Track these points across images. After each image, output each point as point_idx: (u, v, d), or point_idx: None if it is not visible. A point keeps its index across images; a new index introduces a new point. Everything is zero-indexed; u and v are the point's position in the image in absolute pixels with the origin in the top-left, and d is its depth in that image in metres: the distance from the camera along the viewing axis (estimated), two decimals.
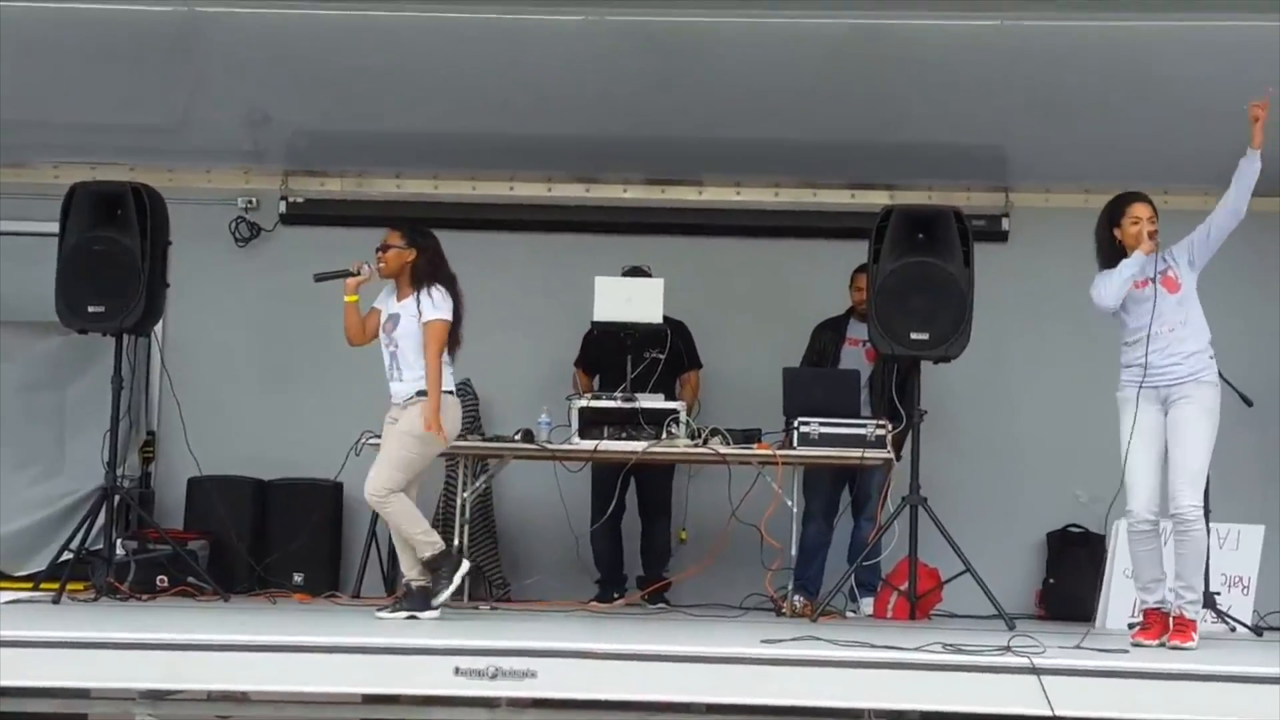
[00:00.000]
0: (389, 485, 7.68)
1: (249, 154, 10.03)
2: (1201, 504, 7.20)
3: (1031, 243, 9.88)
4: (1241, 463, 9.06)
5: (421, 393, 7.76)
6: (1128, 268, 7.30)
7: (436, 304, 7.80)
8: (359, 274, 7.90)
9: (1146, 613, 7.33)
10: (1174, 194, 9.74)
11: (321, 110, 9.60)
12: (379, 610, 7.73)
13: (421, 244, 7.90)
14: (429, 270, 7.86)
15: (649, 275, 9.15)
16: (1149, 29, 8.38)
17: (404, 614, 7.60)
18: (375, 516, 9.21)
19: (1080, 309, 8.93)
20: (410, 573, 7.78)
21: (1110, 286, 7.32)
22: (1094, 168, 9.62)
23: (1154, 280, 7.31)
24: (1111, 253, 7.43)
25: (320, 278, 8.03)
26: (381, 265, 7.88)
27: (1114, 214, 7.45)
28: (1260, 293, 9.61)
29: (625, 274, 9.15)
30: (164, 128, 9.67)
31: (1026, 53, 8.61)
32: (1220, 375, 7.86)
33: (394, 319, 7.87)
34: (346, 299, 7.87)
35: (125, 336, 8.71)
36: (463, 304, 7.91)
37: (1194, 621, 7.18)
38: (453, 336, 7.85)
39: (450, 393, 7.86)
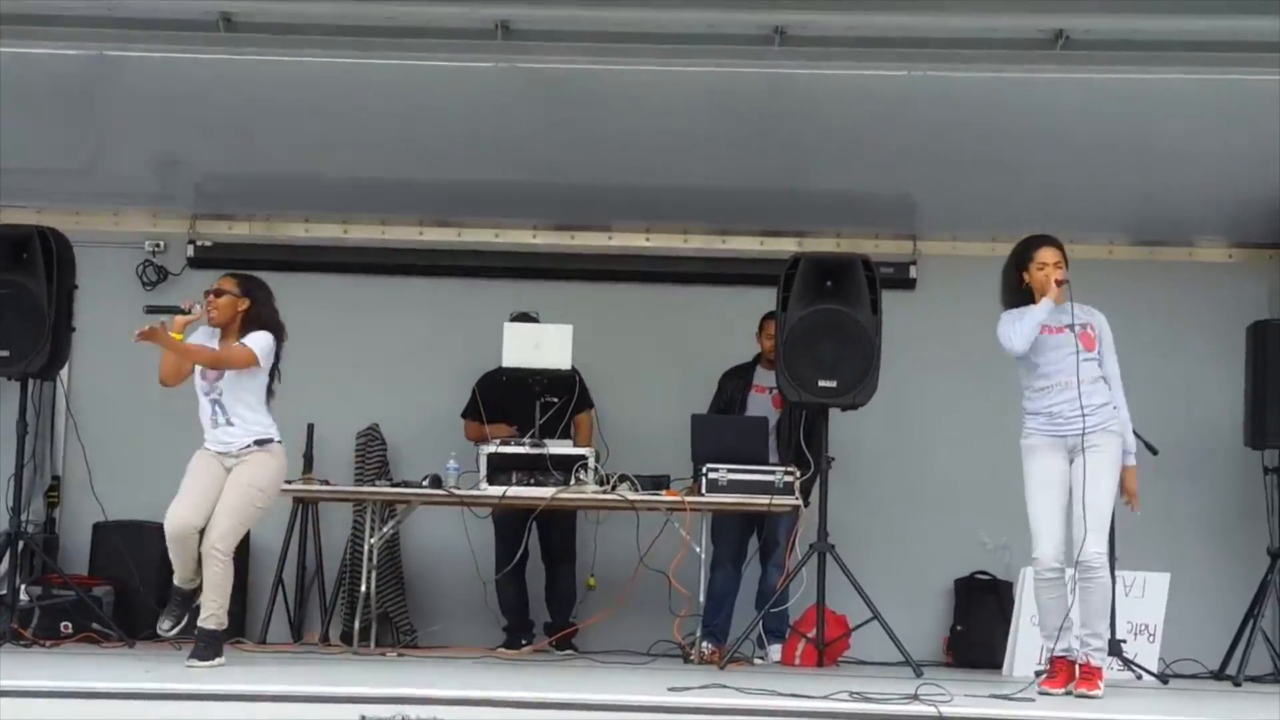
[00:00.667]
0: (234, 540, 7.58)
1: (157, 197, 9.98)
2: (1107, 551, 7.26)
3: (939, 290, 9.98)
4: (1147, 511, 9.15)
5: (259, 441, 7.63)
6: (1038, 313, 7.30)
7: (257, 341, 7.62)
8: (190, 313, 7.65)
9: (1053, 660, 7.35)
10: (1078, 243, 9.88)
11: (230, 154, 9.57)
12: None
13: (256, 294, 7.76)
14: (258, 322, 7.71)
15: (535, 320, 9.17)
16: (1052, 80, 8.50)
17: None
18: (282, 562, 9.20)
19: (987, 356, 9.03)
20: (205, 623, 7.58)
21: (1020, 331, 7.31)
22: (1000, 217, 9.72)
23: (1072, 330, 7.32)
24: (1017, 295, 7.45)
25: (151, 309, 7.78)
26: (213, 312, 7.68)
27: (1022, 257, 7.47)
28: (1165, 342, 9.73)
29: (513, 319, 9.15)
30: (72, 170, 9.61)
31: (934, 103, 8.71)
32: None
33: (213, 360, 7.66)
34: (172, 334, 7.56)
35: (30, 381, 8.65)
36: (283, 355, 7.81)
37: (1100, 669, 7.21)
38: (269, 386, 7.74)
39: (279, 442, 7.74)
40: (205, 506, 7.57)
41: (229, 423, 7.66)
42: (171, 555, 7.61)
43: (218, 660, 7.49)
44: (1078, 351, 7.28)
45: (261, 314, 7.73)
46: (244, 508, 7.60)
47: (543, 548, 9.44)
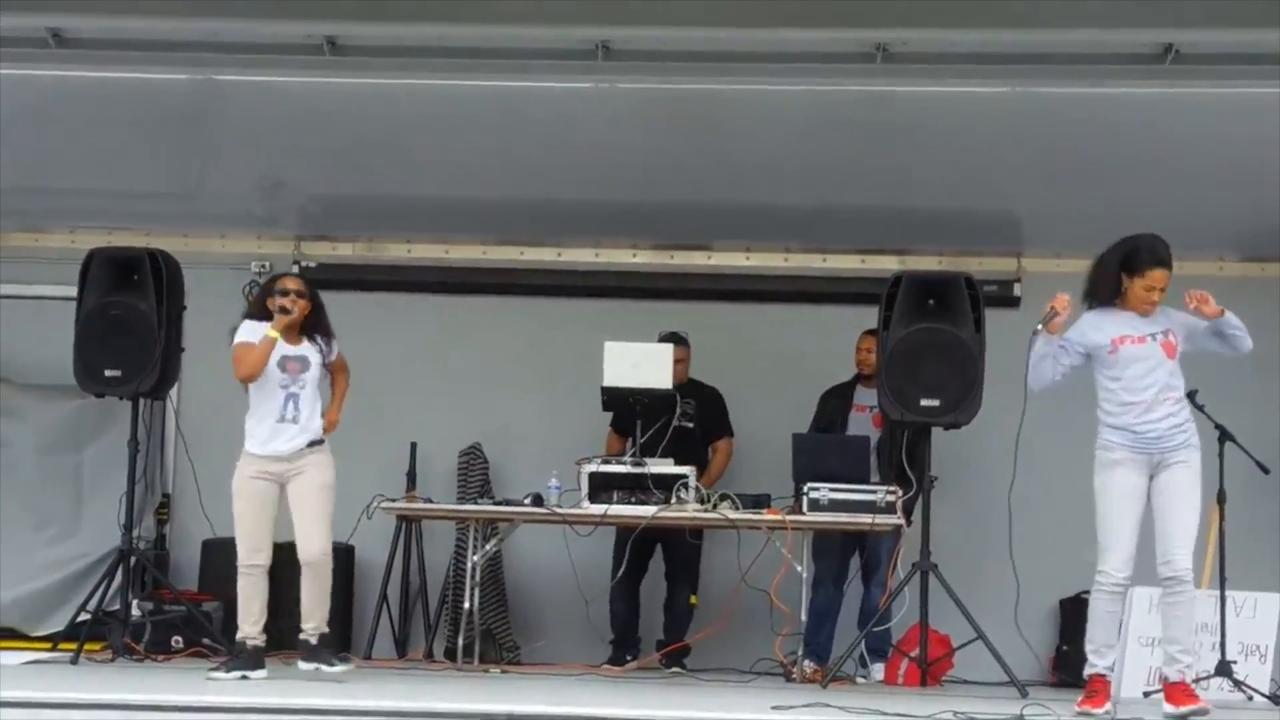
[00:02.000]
0: (330, 544, 7.79)
1: (262, 219, 10.11)
2: (1193, 566, 7.15)
3: (1043, 307, 9.88)
4: (1258, 531, 9.07)
5: (312, 443, 7.80)
6: (1040, 347, 7.33)
7: (334, 346, 7.96)
8: (291, 312, 7.83)
9: (1093, 679, 7.20)
10: (1185, 260, 9.78)
11: (333, 176, 9.70)
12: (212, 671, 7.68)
13: (316, 297, 8.00)
14: (319, 324, 7.97)
15: (685, 341, 9.19)
16: (1159, 95, 8.45)
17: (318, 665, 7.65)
18: (386, 579, 9.27)
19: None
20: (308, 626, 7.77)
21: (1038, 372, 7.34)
22: (1105, 233, 9.62)
23: (1154, 339, 7.19)
24: (1108, 293, 7.28)
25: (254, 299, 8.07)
26: (295, 311, 7.83)
27: (1132, 264, 7.24)
28: (1275, 360, 9.60)
29: (661, 339, 9.16)
30: (179, 193, 9.78)
31: (1037, 119, 8.69)
32: (1236, 444, 7.90)
33: (300, 361, 7.86)
34: (273, 333, 7.79)
35: (141, 400, 8.81)
36: None
37: (1192, 684, 7.10)
38: None
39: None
40: (268, 536, 7.80)
41: (295, 420, 7.80)
42: (246, 600, 7.75)
43: (343, 666, 7.64)
44: (1158, 364, 7.16)
45: (322, 317, 7.97)
46: (328, 510, 7.81)
47: (669, 567, 9.46)
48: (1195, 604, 7.19)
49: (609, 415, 9.36)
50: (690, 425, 9.38)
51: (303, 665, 7.76)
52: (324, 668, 7.66)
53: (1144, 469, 7.18)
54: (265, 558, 7.77)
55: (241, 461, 7.87)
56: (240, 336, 7.88)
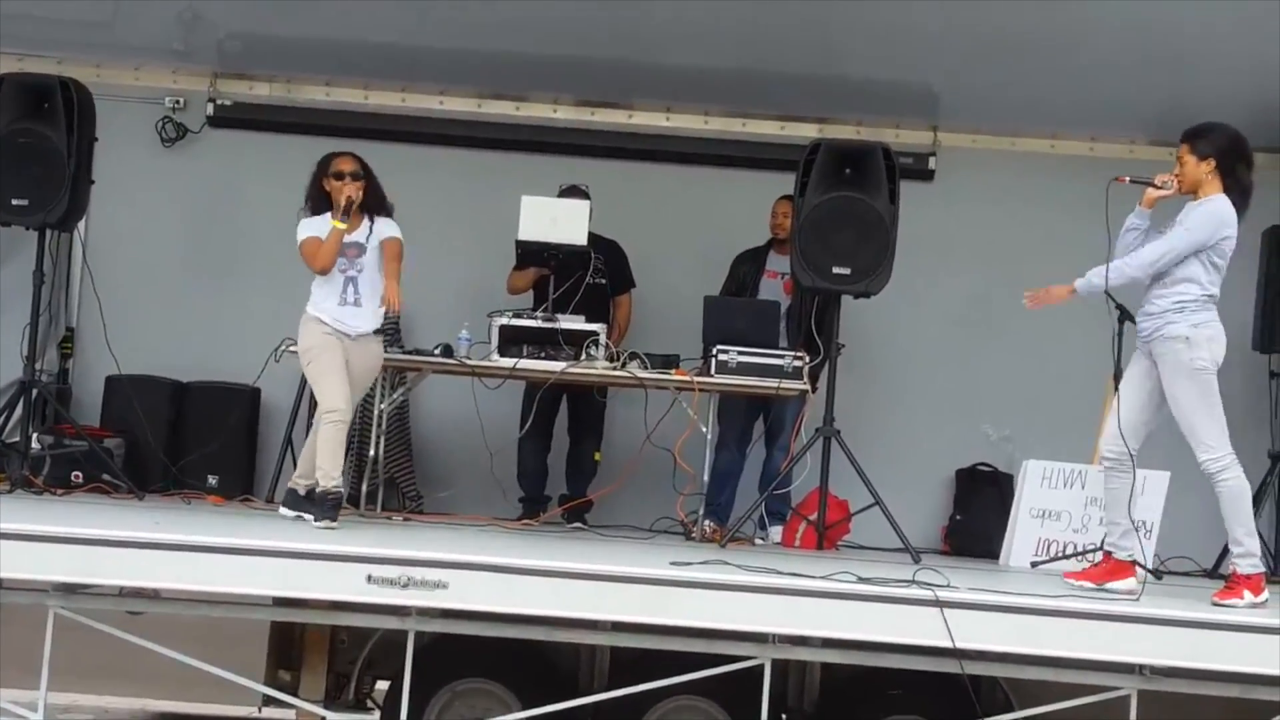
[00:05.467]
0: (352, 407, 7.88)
1: (178, 54, 9.92)
2: (1220, 457, 7.05)
3: (957, 183, 9.97)
4: None
5: (378, 331, 7.93)
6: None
7: (392, 225, 7.97)
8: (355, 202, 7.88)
9: (1105, 555, 7.34)
10: (1100, 142, 9.93)
11: (253, 12, 9.51)
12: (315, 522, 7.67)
13: (372, 173, 7.97)
14: (380, 200, 8.00)
15: (586, 195, 9.16)
16: None
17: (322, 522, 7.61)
18: (292, 423, 9.27)
19: (1002, 250, 9.10)
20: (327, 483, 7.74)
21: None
22: (1023, 113, 9.72)
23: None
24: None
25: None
26: (356, 194, 7.84)
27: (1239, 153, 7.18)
28: None
29: (562, 193, 9.14)
30: (94, 22, 9.56)
31: None
32: (1133, 321, 7.94)
33: (357, 246, 7.89)
34: (339, 225, 7.81)
35: (48, 231, 8.68)
36: None
37: (1238, 576, 6.98)
38: None
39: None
40: (349, 390, 7.84)
41: (357, 303, 7.86)
42: (333, 446, 7.69)
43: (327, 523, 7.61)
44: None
45: (379, 194, 7.98)
46: (364, 390, 8.09)
47: (571, 422, 9.50)
48: (1230, 493, 7.07)
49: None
50: (602, 281, 9.40)
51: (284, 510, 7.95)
52: (313, 520, 7.65)
53: (1144, 355, 7.29)
54: (348, 406, 7.78)
55: (306, 324, 7.89)
56: (304, 232, 7.89)
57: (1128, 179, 7.28)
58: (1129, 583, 7.15)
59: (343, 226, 7.81)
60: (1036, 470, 8.70)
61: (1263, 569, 7.11)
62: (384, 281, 7.91)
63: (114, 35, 9.67)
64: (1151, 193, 7.25)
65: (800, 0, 8.90)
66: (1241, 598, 6.94)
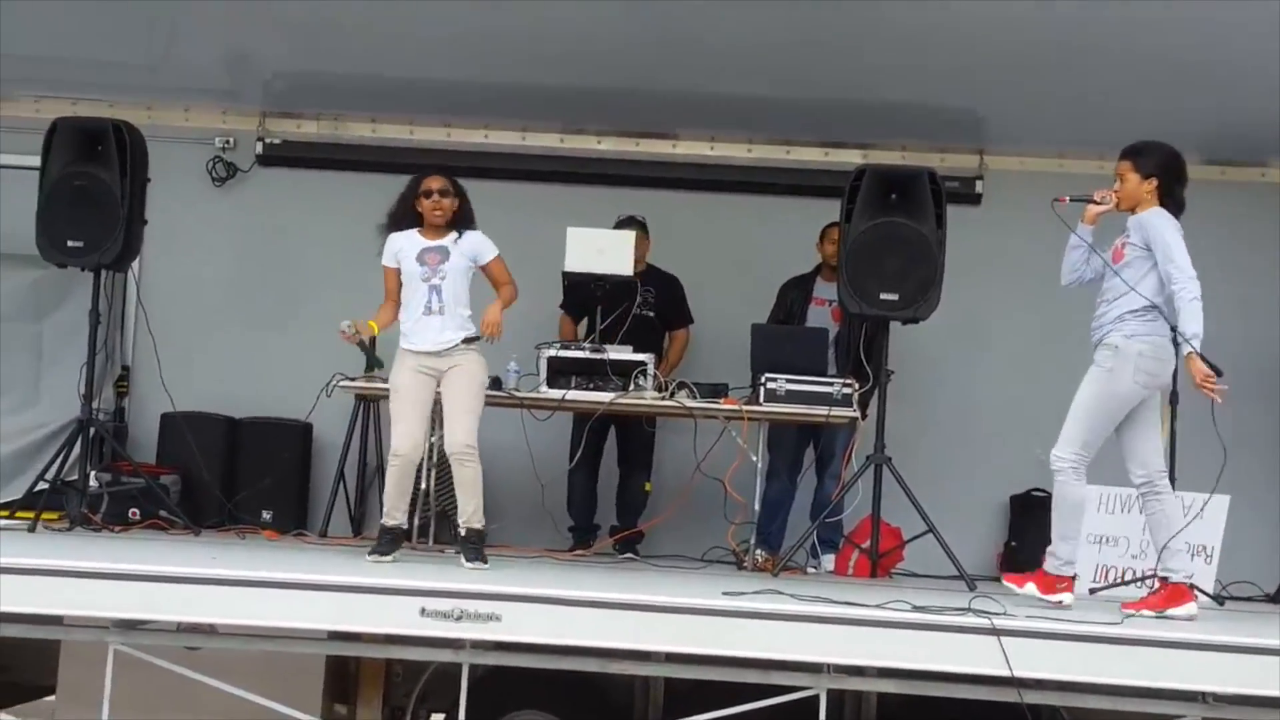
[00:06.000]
0: (475, 437, 7.78)
1: (227, 94, 10.05)
2: (1064, 457, 7.26)
3: (1004, 206, 9.94)
4: (1208, 432, 9.14)
5: (467, 340, 7.83)
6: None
7: (484, 241, 7.99)
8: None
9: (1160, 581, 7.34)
10: None
11: (300, 52, 9.61)
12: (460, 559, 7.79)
13: (462, 191, 8.03)
14: (467, 219, 8.01)
15: (644, 226, 9.21)
16: None
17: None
18: (344, 458, 9.31)
19: (1051, 273, 8.99)
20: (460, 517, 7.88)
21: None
22: (1070, 133, 9.69)
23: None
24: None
25: None
26: (438, 214, 7.89)
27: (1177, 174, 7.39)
28: (1231, 263, 9.66)
29: (619, 224, 9.17)
30: (144, 65, 9.69)
31: (1005, 14, 8.64)
32: (1189, 344, 7.92)
33: (440, 251, 7.86)
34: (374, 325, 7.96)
35: (103, 272, 8.79)
36: None
37: (1047, 575, 7.23)
38: None
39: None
40: (425, 430, 7.88)
41: (441, 311, 7.82)
42: (391, 485, 7.81)
43: (485, 564, 7.71)
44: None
45: (468, 211, 8.01)
46: (477, 405, 7.83)
47: (621, 453, 9.52)
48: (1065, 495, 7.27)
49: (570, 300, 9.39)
50: (650, 314, 9.43)
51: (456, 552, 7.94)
52: (466, 562, 7.74)
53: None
54: (413, 449, 7.80)
55: (398, 357, 7.92)
56: (383, 258, 7.96)
57: (1068, 199, 7.44)
58: (1189, 608, 7.13)
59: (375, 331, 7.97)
60: (1093, 496, 8.64)
61: (1066, 574, 7.24)
62: (490, 308, 7.93)
63: (164, 77, 9.80)
64: (1092, 208, 7.40)
65: (841, 26, 8.90)
66: (1023, 587, 7.22)
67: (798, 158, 10.16)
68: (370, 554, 7.67)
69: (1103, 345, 7.27)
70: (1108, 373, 7.23)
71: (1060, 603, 7.14)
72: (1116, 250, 7.35)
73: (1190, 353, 7.09)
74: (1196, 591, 7.35)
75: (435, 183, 7.94)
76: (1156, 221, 7.25)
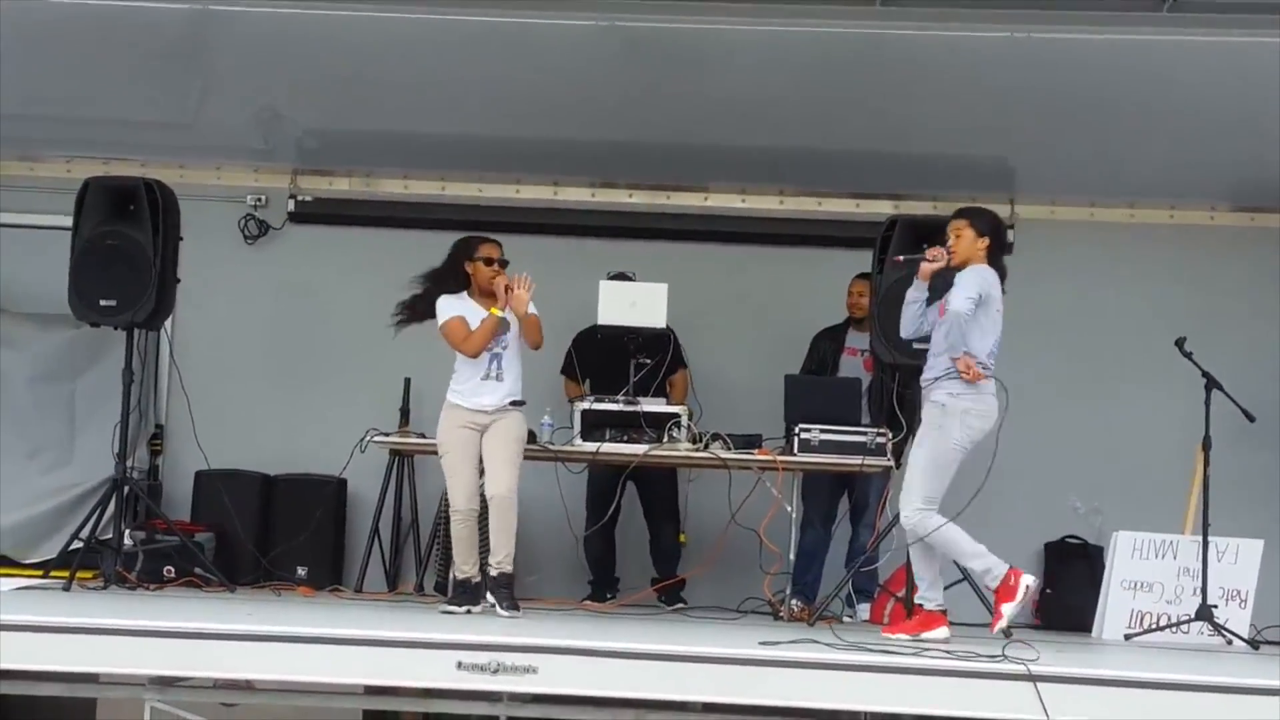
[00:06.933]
0: (516, 486, 7.95)
1: (259, 152, 10.11)
2: (913, 514, 7.54)
3: (1036, 255, 9.88)
4: (1242, 478, 9.13)
5: (515, 402, 8.01)
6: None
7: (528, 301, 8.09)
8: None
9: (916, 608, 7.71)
10: (1180, 209, 9.89)
11: (331, 110, 9.69)
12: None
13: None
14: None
15: (632, 281, 9.24)
16: (1157, 43, 8.47)
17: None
18: (379, 513, 9.31)
19: (1083, 321, 9.04)
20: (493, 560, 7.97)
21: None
22: (1100, 182, 9.70)
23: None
24: None
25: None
26: (499, 283, 8.06)
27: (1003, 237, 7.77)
28: (1265, 308, 9.66)
29: (610, 279, 9.19)
30: (176, 124, 9.77)
31: (1034, 65, 8.70)
32: (1223, 391, 7.96)
33: (505, 323, 8.03)
34: (497, 313, 8.00)
35: (136, 330, 8.81)
36: None
37: (930, 613, 7.54)
38: None
39: None
40: (478, 482, 8.02)
41: (499, 378, 8.00)
42: (459, 543, 8.03)
43: (511, 613, 7.82)
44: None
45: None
46: (518, 457, 8.03)
47: (644, 506, 9.53)
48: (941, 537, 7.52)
49: (605, 352, 9.37)
50: (647, 361, 9.37)
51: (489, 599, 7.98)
52: (498, 608, 7.86)
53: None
54: (476, 503, 8.00)
55: (446, 412, 8.06)
56: (446, 313, 8.05)
57: (902, 258, 7.86)
58: (942, 631, 7.47)
59: (501, 315, 7.99)
60: (1127, 542, 8.61)
61: (942, 610, 7.57)
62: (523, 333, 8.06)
63: (195, 136, 9.87)
64: (926, 266, 7.68)
65: (870, 75, 8.94)
66: (914, 633, 7.45)
67: (829, 209, 10.16)
68: (445, 606, 7.87)
69: (928, 401, 7.54)
70: (938, 430, 7.52)
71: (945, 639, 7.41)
72: (940, 307, 7.54)
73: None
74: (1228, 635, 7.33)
75: (495, 251, 8.12)
76: (974, 271, 7.54)
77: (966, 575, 8.17)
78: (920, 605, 7.65)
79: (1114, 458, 9.72)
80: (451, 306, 8.05)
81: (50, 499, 9.60)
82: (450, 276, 8.12)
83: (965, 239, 7.60)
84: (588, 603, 9.19)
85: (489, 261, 8.05)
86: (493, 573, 7.94)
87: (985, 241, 7.61)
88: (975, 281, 7.49)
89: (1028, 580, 7.43)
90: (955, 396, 7.48)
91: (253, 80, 9.46)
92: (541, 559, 9.73)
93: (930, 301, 7.70)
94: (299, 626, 6.71)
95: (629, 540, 9.63)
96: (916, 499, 7.51)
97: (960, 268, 7.59)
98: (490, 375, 8.00)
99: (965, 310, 7.40)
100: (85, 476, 9.56)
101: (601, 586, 9.50)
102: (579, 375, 9.42)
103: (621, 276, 9.23)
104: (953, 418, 7.47)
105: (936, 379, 7.54)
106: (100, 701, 6.90)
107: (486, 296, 8.07)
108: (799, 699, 6.51)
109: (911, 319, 7.74)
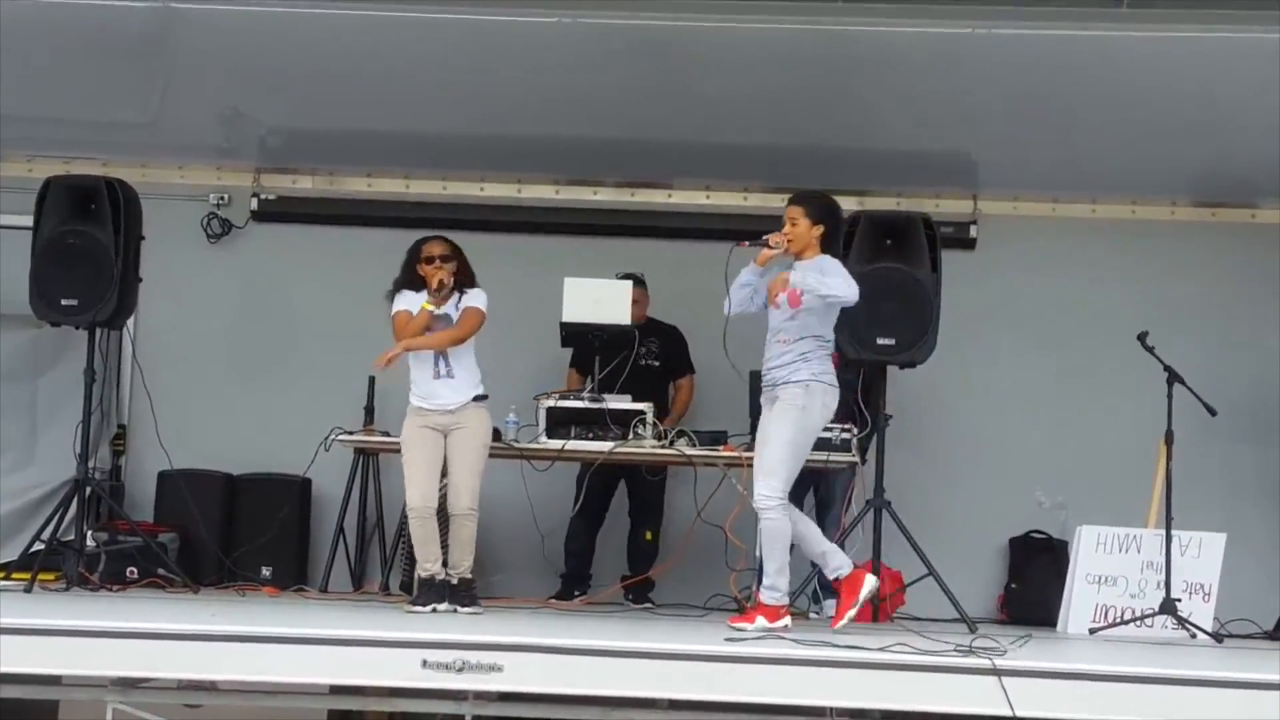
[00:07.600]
0: (477, 499, 7.96)
1: (221, 150, 10.06)
2: (770, 495, 7.47)
3: (999, 250, 9.97)
4: (1204, 471, 9.19)
5: (476, 398, 8.00)
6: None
7: (479, 299, 8.12)
8: (438, 309, 8.05)
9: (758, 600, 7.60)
10: (1141, 204, 9.93)
11: (294, 108, 9.66)
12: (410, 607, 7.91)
13: (461, 253, 8.18)
14: (470, 277, 8.17)
15: (643, 283, 9.30)
16: (1119, 39, 8.50)
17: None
18: (343, 512, 9.29)
19: (1046, 316, 9.04)
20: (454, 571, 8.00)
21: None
22: (1062, 177, 9.73)
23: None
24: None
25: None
26: (446, 279, 8.03)
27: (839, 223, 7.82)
28: (1225, 303, 9.72)
29: (619, 279, 9.16)
30: (138, 123, 9.71)
31: (998, 61, 8.71)
32: (1185, 385, 7.99)
33: (446, 320, 8.04)
34: (429, 306, 8.00)
35: (98, 330, 8.75)
36: None
37: (767, 605, 7.43)
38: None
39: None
40: (436, 482, 8.01)
41: (450, 374, 8.00)
42: (418, 542, 7.99)
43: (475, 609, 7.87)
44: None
45: (468, 271, 8.16)
46: (481, 465, 8.02)
47: (632, 506, 9.53)
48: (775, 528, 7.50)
49: (568, 352, 9.39)
50: (655, 364, 9.45)
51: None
52: (459, 609, 7.88)
53: (769, 402, 7.69)
54: (425, 502, 7.97)
55: (408, 414, 8.07)
56: (397, 305, 8.08)
57: (746, 243, 7.73)
58: (784, 621, 7.42)
59: (431, 308, 7.99)
60: (1091, 536, 8.65)
61: (785, 603, 7.49)
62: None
63: (158, 135, 9.82)
64: (766, 252, 7.67)
65: (834, 72, 8.94)
66: (754, 623, 7.34)
67: None
68: (410, 605, 7.87)
69: (789, 384, 7.52)
70: (801, 410, 7.50)
71: (786, 627, 7.37)
72: (793, 294, 7.52)
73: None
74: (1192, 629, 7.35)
75: (436, 248, 8.11)
76: (832, 262, 7.59)
77: (933, 570, 8.20)
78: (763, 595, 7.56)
79: (1078, 452, 9.76)
80: (400, 300, 8.10)
81: (12, 500, 9.54)
82: (407, 280, 8.16)
83: (800, 226, 7.64)
84: (553, 601, 9.18)
85: (429, 260, 8.05)
86: (453, 580, 7.96)
87: (820, 230, 7.64)
88: (842, 270, 7.55)
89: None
90: (816, 378, 7.51)
91: (215, 78, 9.41)
92: (506, 556, 9.72)
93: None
94: (263, 627, 6.68)
95: (603, 538, 9.61)
96: (780, 478, 7.49)
97: (799, 256, 7.62)
98: (441, 374, 8.01)
99: (853, 296, 7.47)
100: (47, 477, 9.51)
101: (574, 582, 9.47)
102: (582, 371, 9.39)
103: (631, 277, 9.21)
104: (814, 397, 7.50)
105: (794, 362, 7.53)
106: (63, 704, 6.86)
107: (436, 295, 8.06)
108: (765, 695, 6.51)
109: (740, 300, 7.71)
